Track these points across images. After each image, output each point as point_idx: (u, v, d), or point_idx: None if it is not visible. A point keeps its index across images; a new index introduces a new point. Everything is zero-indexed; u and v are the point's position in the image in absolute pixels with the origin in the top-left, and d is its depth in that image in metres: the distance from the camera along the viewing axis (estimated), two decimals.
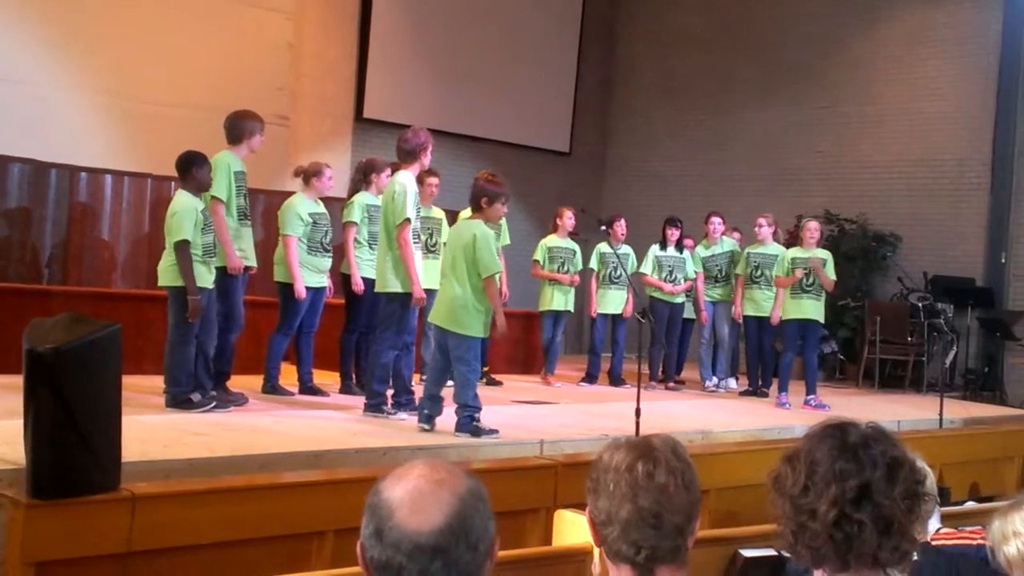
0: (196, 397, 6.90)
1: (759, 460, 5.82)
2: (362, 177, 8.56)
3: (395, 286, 7.12)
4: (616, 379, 10.68)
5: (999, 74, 13.19)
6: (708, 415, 8.77)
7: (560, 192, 14.65)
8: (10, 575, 4.08)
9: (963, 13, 13.61)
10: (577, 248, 10.72)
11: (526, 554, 3.90)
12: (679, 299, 10.93)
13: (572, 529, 3.68)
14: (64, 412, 4.08)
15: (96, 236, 10.25)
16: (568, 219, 10.62)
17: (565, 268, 10.49)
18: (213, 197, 7.16)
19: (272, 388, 7.98)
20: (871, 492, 2.09)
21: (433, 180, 9.17)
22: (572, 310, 10.78)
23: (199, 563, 4.39)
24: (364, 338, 8.25)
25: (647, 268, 10.82)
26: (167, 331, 6.95)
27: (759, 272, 10.49)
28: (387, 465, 2.31)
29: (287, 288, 8.01)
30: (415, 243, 7.17)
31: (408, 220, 7.04)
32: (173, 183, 10.06)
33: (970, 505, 5.60)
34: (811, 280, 9.89)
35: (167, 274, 6.92)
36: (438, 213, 9.32)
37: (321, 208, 8.28)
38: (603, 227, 9.69)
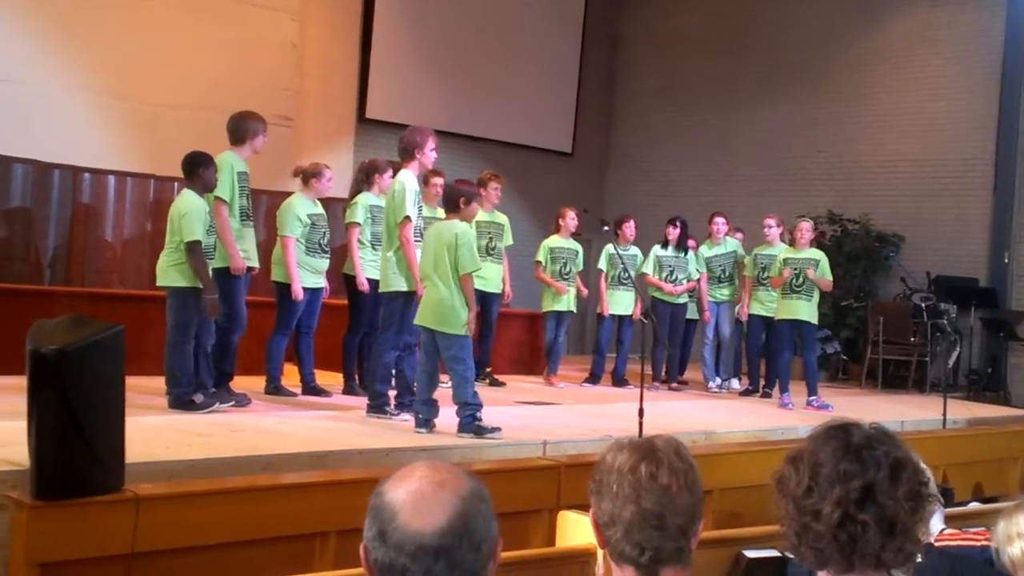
0: (199, 398, 6.91)
1: (762, 461, 5.83)
2: (364, 178, 8.56)
3: (396, 285, 7.13)
4: (619, 380, 10.68)
5: (1002, 73, 13.18)
6: (711, 416, 8.76)
7: (562, 192, 14.64)
8: None
9: (965, 13, 13.60)
10: (579, 248, 10.71)
11: (529, 555, 3.90)
12: (681, 300, 10.92)
13: (575, 530, 3.68)
14: (67, 413, 4.08)
15: (99, 237, 10.26)
16: (571, 219, 10.61)
17: (567, 269, 10.48)
18: (216, 198, 7.17)
19: (275, 389, 7.98)
20: (875, 493, 2.09)
21: (438, 180, 9.17)
22: (575, 310, 10.78)
23: (202, 564, 4.39)
24: (368, 339, 8.25)
25: (648, 268, 10.82)
26: (167, 332, 6.95)
27: (766, 273, 10.48)
28: (390, 466, 2.32)
29: (284, 288, 8.01)
30: (417, 241, 7.17)
31: (408, 218, 7.06)
32: (176, 184, 10.07)
33: (974, 506, 5.59)
34: (801, 281, 9.85)
35: (167, 274, 6.92)
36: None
37: (319, 209, 8.29)
38: (606, 227, 9.68)
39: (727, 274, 11.13)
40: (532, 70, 15.71)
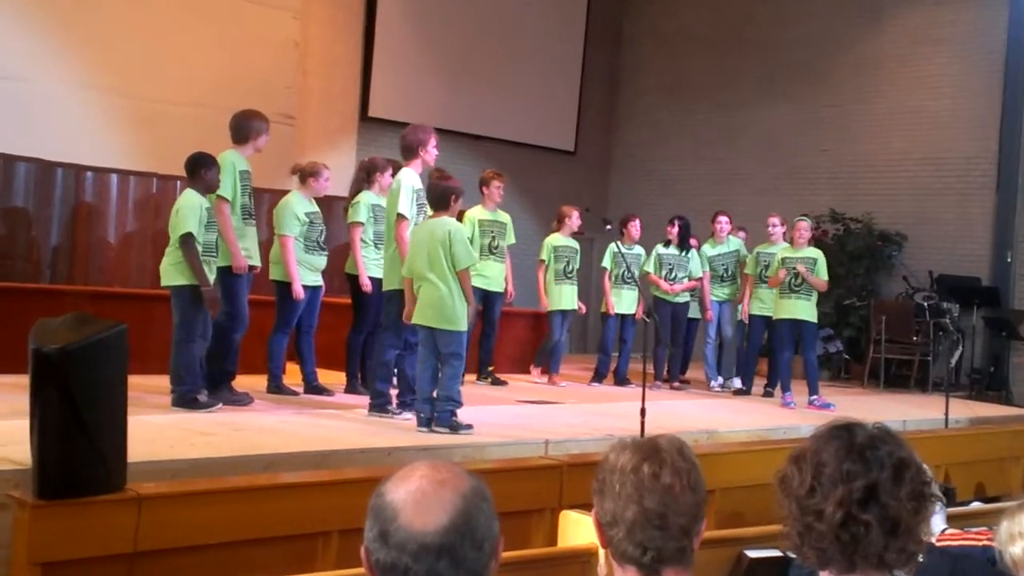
0: (203, 397, 6.91)
1: (764, 460, 5.83)
2: (365, 176, 8.55)
3: (394, 284, 7.13)
4: (621, 379, 10.68)
5: (1005, 72, 13.16)
6: (713, 415, 8.76)
7: (565, 191, 14.63)
8: (17, 575, 4.09)
9: (968, 12, 13.59)
10: (578, 247, 10.71)
11: (531, 555, 3.90)
12: (681, 298, 10.91)
13: (577, 530, 3.68)
14: (70, 412, 4.08)
15: (102, 235, 10.26)
16: (576, 219, 10.60)
17: (570, 267, 10.48)
18: (219, 196, 7.17)
19: (276, 388, 7.98)
20: (878, 493, 2.09)
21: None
22: (576, 308, 10.77)
23: (205, 563, 4.39)
24: (371, 338, 8.25)
25: (650, 266, 10.84)
26: (172, 331, 6.96)
27: (768, 272, 10.47)
28: (392, 465, 2.32)
29: (284, 287, 8.02)
30: None
31: (403, 216, 7.06)
32: (179, 182, 10.06)
33: (976, 505, 5.58)
34: (800, 280, 9.86)
35: (169, 273, 6.93)
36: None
37: (316, 207, 8.30)
38: (609, 226, 9.67)
39: (730, 273, 11.12)
40: (535, 68, 15.71)
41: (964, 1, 13.63)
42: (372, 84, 13.97)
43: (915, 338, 12.64)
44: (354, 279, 8.37)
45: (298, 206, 8.13)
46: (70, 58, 11.02)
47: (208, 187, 7.05)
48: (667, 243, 10.88)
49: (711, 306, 11.09)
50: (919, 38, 13.96)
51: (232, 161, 7.29)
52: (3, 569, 4.19)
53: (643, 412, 6.59)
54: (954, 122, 13.52)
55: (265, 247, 8.21)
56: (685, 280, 10.84)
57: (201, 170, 7.01)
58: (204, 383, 7.15)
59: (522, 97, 15.54)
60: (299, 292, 7.92)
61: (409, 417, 6.95)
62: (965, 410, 9.95)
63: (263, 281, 8.19)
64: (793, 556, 3.10)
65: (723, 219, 11.17)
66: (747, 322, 10.83)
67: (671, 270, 10.79)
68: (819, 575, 2.19)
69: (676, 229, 10.85)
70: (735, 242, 11.31)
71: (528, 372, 10.63)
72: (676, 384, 10.89)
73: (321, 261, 8.27)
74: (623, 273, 10.61)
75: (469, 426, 6.64)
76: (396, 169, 8.37)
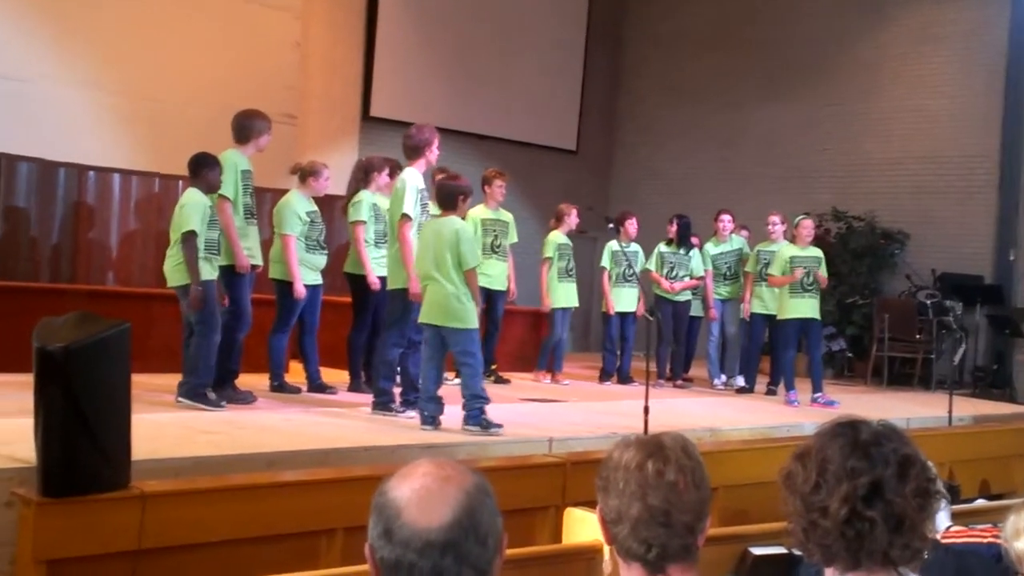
0: (212, 395, 6.91)
1: (768, 458, 5.82)
2: (363, 176, 8.55)
3: (398, 282, 7.13)
4: (624, 377, 10.70)
5: (1006, 70, 13.15)
6: (716, 413, 8.76)
7: (567, 190, 14.63)
8: (21, 573, 4.10)
9: (970, 10, 13.57)
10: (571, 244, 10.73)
11: (536, 552, 3.90)
12: (682, 297, 10.92)
13: (582, 527, 3.68)
14: (74, 410, 4.09)
15: (104, 235, 10.26)
16: (575, 216, 10.61)
17: (570, 265, 10.49)
18: (220, 196, 7.18)
19: (279, 386, 7.99)
20: (882, 490, 2.09)
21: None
22: (576, 305, 10.78)
23: (209, 561, 4.40)
24: (374, 337, 8.26)
25: (652, 265, 10.86)
26: (192, 328, 6.94)
27: (768, 270, 10.48)
28: (396, 463, 2.32)
29: (284, 286, 8.02)
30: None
31: (407, 216, 7.06)
32: (181, 182, 10.06)
33: (980, 503, 5.58)
34: (811, 280, 9.88)
35: (175, 274, 6.93)
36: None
37: (315, 206, 8.31)
38: (611, 225, 9.67)
39: (732, 272, 11.12)
40: (536, 68, 15.70)
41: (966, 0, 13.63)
42: (373, 84, 13.97)
43: (918, 336, 12.63)
44: (354, 278, 8.37)
45: (299, 205, 8.13)
46: (72, 58, 11.02)
47: (210, 187, 7.06)
48: (669, 242, 10.89)
49: (714, 304, 11.08)
50: (920, 37, 13.94)
51: (234, 160, 7.29)
52: (8, 567, 4.20)
53: (646, 410, 6.59)
54: (956, 120, 13.51)
55: (265, 246, 8.21)
56: (686, 279, 10.85)
57: (204, 170, 7.02)
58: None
59: (523, 96, 15.53)
60: (301, 291, 7.92)
61: (412, 415, 6.95)
62: (969, 408, 9.95)
63: (264, 280, 8.20)
64: (798, 553, 3.10)
65: (726, 218, 11.16)
66: (748, 320, 10.82)
67: (672, 269, 10.80)
68: (824, 572, 2.19)
69: (675, 228, 10.86)
70: (738, 241, 11.31)
71: (530, 371, 10.62)
72: (679, 382, 10.90)
73: (321, 260, 8.28)
74: (623, 271, 10.61)
75: (499, 425, 6.60)
76: (393, 168, 8.39)
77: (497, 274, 9.71)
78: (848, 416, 2.24)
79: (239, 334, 7.40)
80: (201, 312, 6.86)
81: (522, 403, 8.51)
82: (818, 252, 10.13)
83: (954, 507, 4.30)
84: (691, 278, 10.89)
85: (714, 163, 15.67)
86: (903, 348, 12.71)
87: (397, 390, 7.30)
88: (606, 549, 3.38)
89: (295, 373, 8.31)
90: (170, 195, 10.22)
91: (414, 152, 7.28)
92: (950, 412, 9.01)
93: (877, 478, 2.09)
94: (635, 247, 10.79)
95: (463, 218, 7.25)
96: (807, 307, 9.91)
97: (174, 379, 7.05)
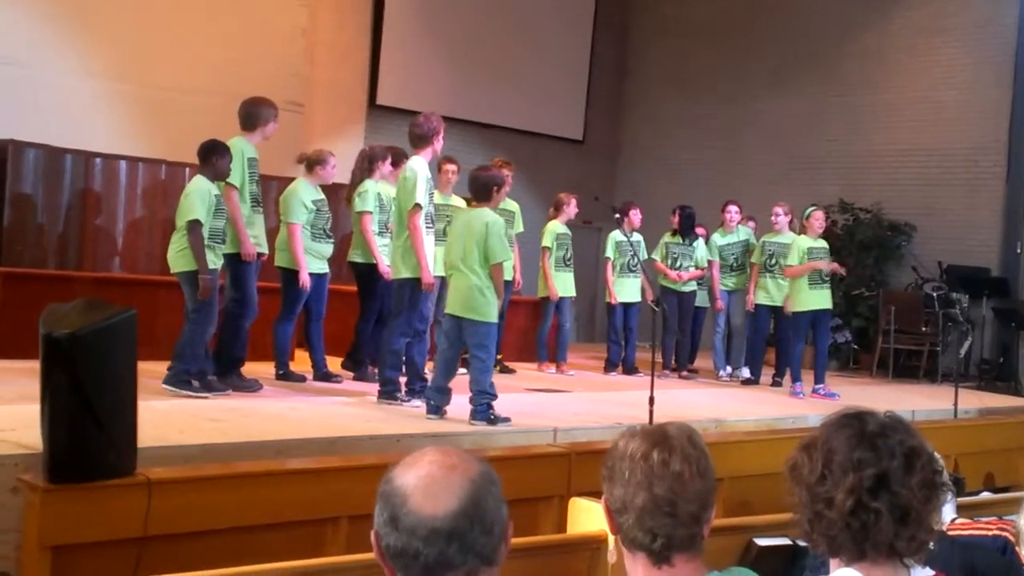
0: (196, 383, 6.90)
1: (773, 449, 5.83)
2: (367, 166, 8.56)
3: (405, 272, 7.13)
4: (629, 367, 10.70)
5: (1015, 62, 13.10)
6: (721, 404, 8.76)
7: (573, 180, 14.61)
8: (27, 559, 4.11)
9: (978, 2, 13.52)
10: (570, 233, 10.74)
11: (541, 541, 3.91)
12: (688, 287, 10.92)
13: (587, 517, 3.68)
14: (80, 397, 4.10)
15: (110, 222, 10.27)
16: (574, 206, 10.61)
17: (569, 255, 10.51)
18: (227, 184, 7.18)
19: (284, 375, 8.00)
20: (888, 481, 2.09)
21: (451, 167, 9.18)
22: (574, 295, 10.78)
23: (214, 548, 4.41)
24: (380, 325, 8.28)
25: (657, 255, 10.87)
26: (185, 315, 6.95)
27: (774, 261, 10.48)
28: (401, 452, 2.32)
29: (289, 274, 8.03)
30: (428, 228, 7.18)
31: (419, 206, 7.05)
32: (187, 169, 10.06)
33: (985, 495, 5.58)
34: (826, 270, 9.93)
35: (179, 260, 6.93)
36: (457, 201, 9.29)
37: (322, 195, 8.31)
38: (617, 215, 9.66)
39: (739, 263, 11.11)
40: (543, 57, 15.67)
41: None
42: (380, 72, 13.95)
43: (924, 328, 12.62)
44: (359, 267, 8.39)
45: (305, 194, 8.13)
46: (79, 46, 11.03)
47: (218, 174, 7.05)
48: (673, 232, 10.90)
49: (720, 295, 11.08)
50: (928, 28, 13.90)
51: (240, 148, 7.29)
52: (14, 552, 4.21)
53: (651, 400, 6.59)
54: (963, 112, 13.47)
55: (272, 234, 8.22)
56: (691, 269, 10.85)
57: (213, 157, 7.01)
58: (213, 368, 7.16)
59: (530, 85, 15.51)
60: (306, 280, 7.93)
61: (418, 404, 6.96)
62: (974, 400, 9.94)
63: (270, 268, 8.21)
64: (803, 544, 3.10)
65: (733, 208, 11.15)
66: (754, 312, 10.81)
67: (676, 260, 10.80)
68: (830, 563, 2.19)
69: (678, 218, 10.86)
70: (744, 231, 11.29)
71: (535, 361, 10.62)
72: (684, 373, 10.90)
73: (328, 249, 8.28)
74: (628, 262, 10.61)
75: (507, 419, 6.60)
76: (397, 156, 8.39)
77: (505, 265, 9.70)
78: (854, 407, 2.24)
79: (245, 322, 7.40)
80: (199, 301, 6.85)
81: (527, 393, 8.51)
82: (825, 243, 10.17)
83: (959, 500, 4.30)
84: (696, 268, 10.89)
85: (720, 153, 15.64)
86: (909, 340, 12.69)
87: (402, 379, 7.30)
88: (611, 539, 3.38)
89: (301, 361, 8.32)
90: (176, 182, 10.21)
91: (421, 140, 7.26)
92: (955, 405, 9.00)
93: (883, 470, 2.09)
94: (636, 236, 10.78)
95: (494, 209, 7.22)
96: (823, 298, 9.97)
97: None
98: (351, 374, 8.40)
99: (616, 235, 10.58)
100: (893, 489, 2.08)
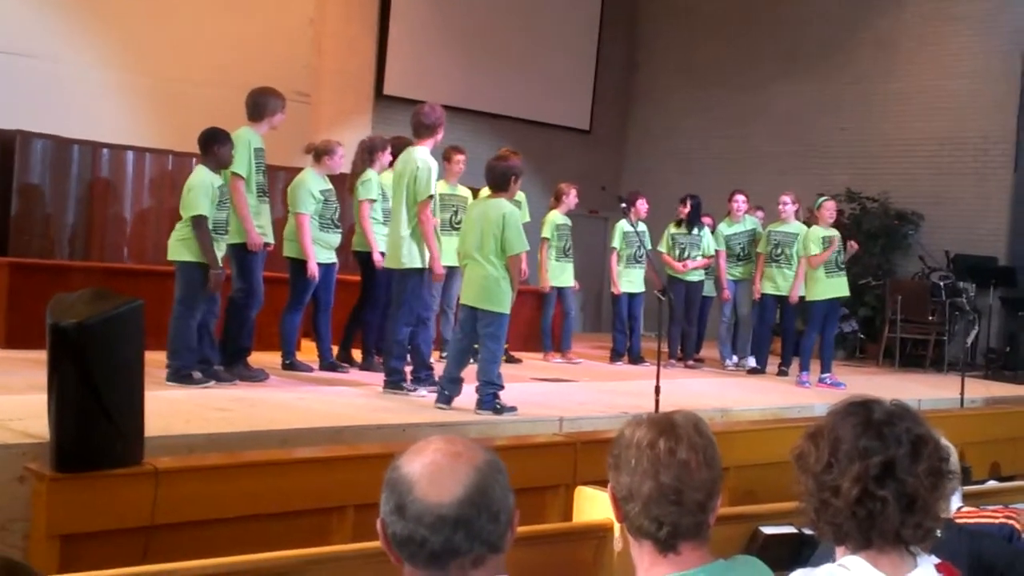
0: (197, 374, 6.90)
1: (778, 438, 5.82)
2: (368, 156, 8.58)
3: (410, 262, 7.12)
4: (635, 357, 10.70)
5: None
6: (727, 393, 8.76)
7: (580, 170, 14.61)
8: (35, 548, 4.13)
9: None
10: (570, 224, 10.72)
11: (547, 530, 3.91)
12: (695, 277, 10.91)
13: (592, 505, 3.68)
14: (87, 386, 4.11)
15: (118, 212, 10.29)
16: (573, 196, 10.60)
17: (568, 245, 10.51)
18: (233, 173, 7.17)
19: (290, 364, 8.01)
20: (895, 469, 2.09)
21: (460, 157, 9.17)
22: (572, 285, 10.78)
23: (221, 537, 4.42)
24: (371, 313, 8.36)
25: (663, 247, 10.85)
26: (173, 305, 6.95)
27: (779, 251, 10.46)
28: (407, 441, 2.32)
29: (298, 264, 8.04)
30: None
31: (431, 197, 7.05)
32: (194, 159, 10.04)
33: (991, 484, 5.57)
34: (843, 256, 9.96)
35: (176, 248, 6.92)
36: (464, 191, 9.30)
37: (330, 185, 8.31)
38: (623, 205, 9.65)
39: (746, 252, 11.09)
40: (550, 47, 15.64)
41: None
42: (387, 62, 13.95)
43: (931, 318, 12.60)
44: (364, 256, 8.39)
45: (313, 184, 8.14)
46: (87, 36, 11.04)
47: (220, 163, 7.04)
48: (679, 223, 10.86)
49: (727, 285, 11.06)
50: (939, 16, 13.85)
51: (247, 138, 7.29)
52: (22, 541, 4.23)
53: (657, 390, 6.59)
54: (973, 101, 13.42)
55: (279, 225, 8.23)
56: (698, 258, 10.84)
57: (214, 145, 6.99)
58: (219, 357, 7.16)
59: (537, 75, 15.48)
60: (314, 270, 7.94)
61: (424, 394, 6.96)
62: (981, 390, 9.93)
63: (277, 258, 8.21)
64: (809, 532, 3.10)
65: (740, 198, 11.13)
66: (760, 301, 10.80)
67: (684, 250, 10.79)
68: (836, 551, 2.20)
69: (688, 208, 10.83)
70: (751, 221, 11.27)
71: (541, 350, 10.62)
72: (690, 362, 10.90)
73: (335, 239, 8.29)
74: (635, 252, 10.60)
75: (513, 408, 6.60)
76: (403, 145, 8.39)
77: None
78: (861, 395, 2.23)
79: (251, 312, 7.41)
80: (188, 292, 6.84)
81: (533, 383, 8.52)
82: (837, 232, 10.17)
83: (965, 488, 4.30)
84: (703, 257, 10.88)
85: (729, 143, 15.61)
86: (915, 330, 12.67)
87: (408, 368, 7.30)
88: (616, 527, 3.39)
89: (307, 351, 8.33)
90: (184, 172, 10.16)
91: (427, 130, 7.25)
92: (962, 394, 8.99)
93: (889, 458, 2.09)
94: (641, 227, 10.76)
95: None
96: (841, 286, 10.02)
97: None
98: (356, 365, 8.40)
99: (623, 225, 10.56)
100: (899, 477, 2.08)
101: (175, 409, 5.71)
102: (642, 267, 10.68)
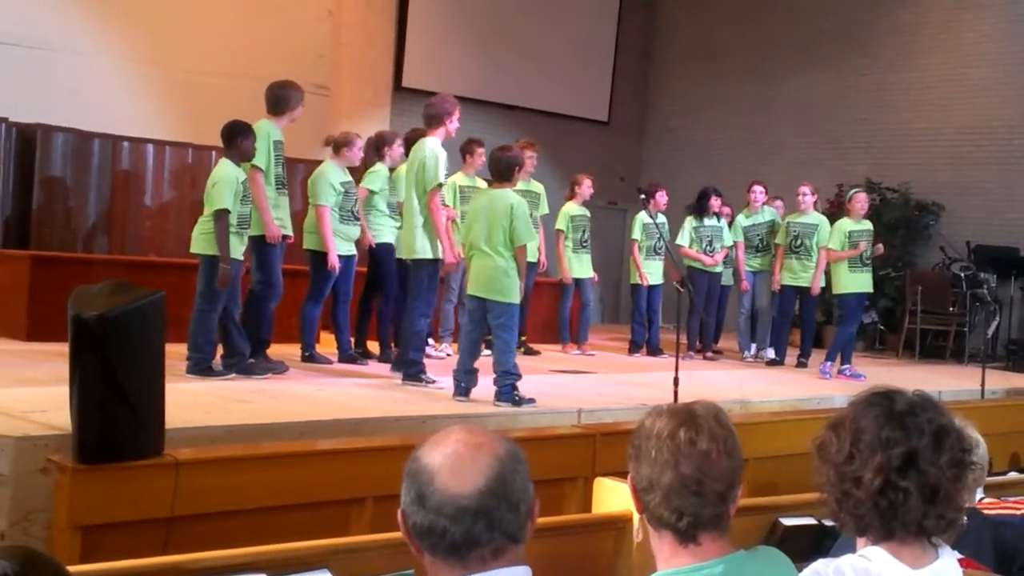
0: (217, 366, 6.93)
1: (798, 430, 5.82)
2: (375, 151, 8.64)
3: (424, 253, 7.13)
4: (654, 349, 10.69)
5: None
6: (746, 385, 8.74)
7: (598, 161, 14.58)
8: (57, 538, 4.16)
9: None
10: (588, 215, 10.70)
11: (567, 520, 3.91)
12: (718, 268, 10.90)
13: (612, 497, 3.68)
14: (109, 378, 4.13)
15: (138, 205, 10.34)
16: (587, 187, 10.56)
17: (585, 236, 10.49)
18: (253, 166, 7.19)
19: (310, 356, 8.03)
20: (917, 460, 2.08)
21: (481, 150, 9.17)
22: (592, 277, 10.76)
23: (241, 528, 4.43)
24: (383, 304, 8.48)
25: (684, 240, 10.79)
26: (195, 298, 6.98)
27: (799, 242, 10.42)
28: (426, 433, 2.32)
29: (318, 256, 8.06)
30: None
31: (441, 185, 7.07)
32: (214, 152, 10.10)
33: (1012, 475, 5.55)
34: (870, 254, 9.90)
35: (199, 241, 6.95)
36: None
37: (349, 177, 8.33)
38: (642, 196, 9.63)
39: (764, 243, 11.05)
40: (568, 38, 15.60)
41: None
42: (406, 54, 13.94)
43: (951, 309, 12.54)
44: (376, 248, 8.43)
45: (333, 176, 8.16)
46: (106, 29, 11.07)
47: (243, 155, 7.05)
48: (700, 215, 10.81)
49: (745, 276, 11.03)
50: (961, 4, 13.74)
51: (267, 131, 7.30)
52: (44, 532, 4.25)
53: (676, 381, 6.58)
54: (996, 90, 13.31)
55: (299, 217, 8.24)
56: (720, 250, 10.82)
57: (237, 138, 7.01)
58: (249, 348, 7.18)
59: (555, 67, 15.45)
60: (335, 263, 7.95)
61: (443, 386, 6.97)
62: (1001, 381, 9.88)
63: (296, 251, 8.23)
64: (828, 523, 3.09)
65: (758, 189, 11.08)
66: (779, 292, 10.76)
67: (710, 242, 10.76)
68: (856, 542, 2.19)
69: (720, 201, 10.81)
70: (770, 212, 11.22)
71: (559, 342, 10.63)
72: (709, 354, 10.87)
73: (355, 231, 8.31)
74: (655, 244, 10.58)
75: (532, 400, 6.60)
76: (412, 138, 8.41)
77: (530, 246, 9.70)
78: (883, 386, 2.22)
79: (270, 304, 7.43)
80: (207, 286, 6.85)
81: (552, 375, 8.52)
82: (869, 225, 10.10)
83: (986, 480, 4.28)
84: (722, 248, 10.87)
85: (747, 133, 15.54)
86: (936, 321, 12.61)
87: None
88: (636, 518, 3.39)
89: (326, 343, 8.35)
90: (203, 165, 10.28)
91: (434, 121, 7.27)
92: (982, 385, 8.95)
93: (912, 448, 2.08)
94: (661, 218, 10.73)
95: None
96: (866, 281, 9.98)
97: None
98: (374, 357, 8.42)
99: (643, 217, 10.52)
100: (922, 468, 2.08)
101: (196, 401, 5.74)
102: (661, 259, 10.67)
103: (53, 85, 10.46)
